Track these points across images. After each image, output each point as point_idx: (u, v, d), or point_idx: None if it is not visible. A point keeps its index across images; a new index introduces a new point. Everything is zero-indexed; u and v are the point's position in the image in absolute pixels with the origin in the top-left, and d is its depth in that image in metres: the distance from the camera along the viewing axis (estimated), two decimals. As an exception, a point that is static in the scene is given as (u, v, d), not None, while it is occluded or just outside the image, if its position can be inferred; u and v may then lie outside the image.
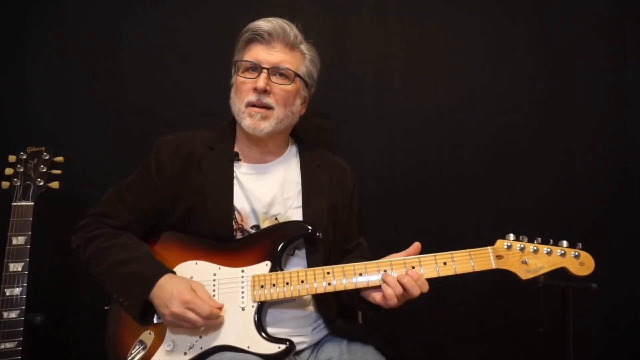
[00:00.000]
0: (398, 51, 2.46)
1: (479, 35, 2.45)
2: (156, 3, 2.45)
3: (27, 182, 2.00)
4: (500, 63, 2.45)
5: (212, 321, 1.60)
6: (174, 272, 1.68)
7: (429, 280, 1.59)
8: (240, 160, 1.84)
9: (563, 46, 2.43)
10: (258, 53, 1.79)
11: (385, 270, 1.61)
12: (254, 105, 1.78)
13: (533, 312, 1.74)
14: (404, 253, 1.64)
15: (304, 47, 1.87)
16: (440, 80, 2.46)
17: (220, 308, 1.62)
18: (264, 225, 1.78)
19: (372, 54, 2.46)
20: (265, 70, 1.77)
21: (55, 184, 2.04)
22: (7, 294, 1.89)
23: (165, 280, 1.62)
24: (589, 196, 2.42)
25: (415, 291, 1.56)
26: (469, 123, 2.44)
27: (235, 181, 1.80)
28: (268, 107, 1.78)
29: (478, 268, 1.59)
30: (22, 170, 2.01)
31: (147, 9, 2.45)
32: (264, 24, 1.79)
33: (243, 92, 1.79)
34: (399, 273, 1.59)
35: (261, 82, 1.76)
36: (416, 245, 1.64)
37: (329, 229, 1.81)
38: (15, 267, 1.92)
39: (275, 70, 1.79)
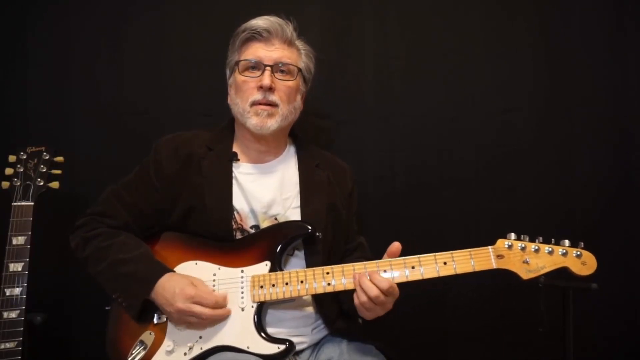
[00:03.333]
0: (398, 51, 2.46)
1: (479, 35, 2.46)
2: (156, 3, 2.45)
3: (27, 182, 2.00)
4: (500, 63, 2.45)
5: (219, 312, 1.61)
6: (173, 271, 1.68)
7: (429, 280, 1.58)
8: (239, 160, 1.84)
9: (563, 46, 2.43)
10: (258, 51, 1.79)
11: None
12: (259, 104, 1.77)
13: (533, 312, 1.74)
14: (385, 255, 1.62)
15: (299, 43, 1.88)
16: (440, 80, 2.46)
17: (224, 298, 1.63)
18: (264, 225, 1.78)
19: (372, 54, 2.46)
20: (268, 68, 1.77)
21: (55, 184, 2.03)
22: (7, 294, 1.89)
23: (166, 279, 1.63)
24: (589, 196, 2.42)
25: (372, 292, 1.52)
26: (469, 123, 2.44)
27: (234, 181, 1.80)
28: (273, 105, 1.78)
29: (478, 268, 1.58)
30: (22, 170, 2.01)
31: (147, 9, 2.44)
32: (260, 22, 1.80)
33: (246, 91, 1.79)
34: (399, 273, 1.58)
35: (267, 79, 1.76)
36: (395, 246, 1.60)
37: (328, 228, 1.80)
38: (15, 267, 1.91)
39: (277, 67, 1.79)
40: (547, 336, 1.75)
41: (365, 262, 1.63)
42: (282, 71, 1.80)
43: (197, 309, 1.59)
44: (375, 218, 2.41)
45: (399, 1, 2.46)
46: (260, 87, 1.76)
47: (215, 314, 1.61)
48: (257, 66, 1.79)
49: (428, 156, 2.46)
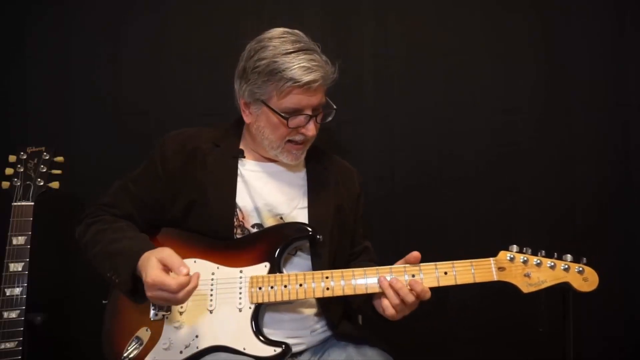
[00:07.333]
0: (398, 51, 2.46)
1: (479, 35, 2.45)
2: (156, 3, 2.45)
3: (27, 182, 2.00)
4: (500, 63, 2.45)
5: (190, 288, 1.51)
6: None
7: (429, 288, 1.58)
8: (244, 157, 1.83)
9: (563, 46, 2.43)
10: (300, 100, 1.69)
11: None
12: (296, 143, 1.76)
13: (533, 312, 1.73)
14: (402, 261, 1.63)
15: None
16: (440, 80, 2.46)
17: (187, 273, 1.50)
18: (268, 223, 1.77)
19: (372, 54, 2.46)
20: (313, 118, 1.73)
21: (55, 184, 2.04)
22: (7, 294, 1.89)
23: (142, 262, 1.57)
24: (589, 196, 2.42)
25: (409, 298, 1.54)
26: (469, 123, 2.44)
27: (239, 178, 1.79)
28: (307, 142, 1.80)
29: (479, 279, 1.58)
30: (22, 170, 2.01)
31: (147, 9, 2.44)
32: (305, 76, 1.66)
33: (283, 131, 1.73)
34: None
35: (313, 130, 1.74)
36: (415, 255, 1.60)
37: (334, 231, 1.80)
38: (15, 267, 1.92)
39: (317, 112, 1.75)
40: (547, 336, 1.74)
41: (365, 268, 1.63)
42: (320, 111, 1.77)
43: (165, 295, 1.51)
44: (375, 218, 2.40)
45: (399, 1, 2.46)
46: (304, 135, 1.74)
47: (180, 298, 1.52)
48: (297, 113, 1.72)
49: (428, 156, 2.46)
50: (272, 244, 1.69)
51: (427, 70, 2.46)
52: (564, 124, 2.42)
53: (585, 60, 2.42)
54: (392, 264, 1.64)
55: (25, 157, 2.03)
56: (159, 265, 1.53)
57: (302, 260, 1.78)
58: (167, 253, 1.56)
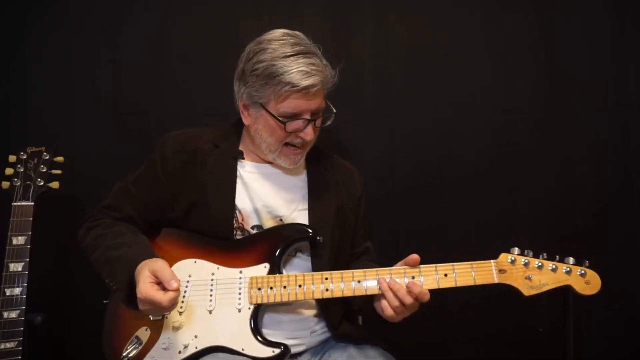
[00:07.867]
0: (398, 51, 2.45)
1: (479, 35, 2.45)
2: (156, 3, 2.45)
3: (27, 182, 2.01)
4: (500, 63, 2.44)
5: (176, 299, 1.52)
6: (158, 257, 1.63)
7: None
8: (244, 159, 1.83)
9: (563, 46, 2.42)
10: (298, 104, 1.67)
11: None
12: (294, 147, 1.75)
13: (533, 313, 1.73)
14: (401, 263, 1.62)
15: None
16: (440, 80, 2.45)
17: (178, 288, 1.50)
18: (267, 225, 1.77)
19: (372, 54, 2.46)
20: (312, 123, 1.71)
21: (55, 184, 2.05)
22: (7, 294, 1.90)
23: (137, 271, 1.56)
24: (589, 196, 2.42)
25: (407, 300, 1.54)
26: (469, 123, 2.44)
27: (238, 180, 1.79)
28: (306, 146, 1.78)
29: (479, 282, 1.57)
30: (22, 170, 2.02)
31: (147, 9, 2.44)
32: (304, 80, 1.63)
33: (281, 134, 1.71)
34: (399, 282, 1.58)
35: (311, 135, 1.72)
36: (414, 258, 1.60)
37: (335, 232, 1.80)
38: (15, 267, 1.92)
39: (316, 116, 1.73)
40: (547, 336, 1.74)
41: (364, 270, 1.63)
42: (319, 116, 1.75)
43: (154, 310, 1.53)
44: (375, 218, 2.40)
45: (399, 1, 2.46)
46: (301, 138, 1.72)
47: (169, 310, 1.56)
48: (295, 117, 1.70)
49: (428, 156, 2.46)
50: (272, 245, 1.69)
51: (427, 70, 2.46)
52: (564, 124, 2.42)
53: (585, 60, 2.41)
54: (392, 264, 1.64)
55: (25, 157, 2.04)
56: (150, 278, 1.52)
57: (302, 261, 1.78)
58: (159, 265, 1.56)
